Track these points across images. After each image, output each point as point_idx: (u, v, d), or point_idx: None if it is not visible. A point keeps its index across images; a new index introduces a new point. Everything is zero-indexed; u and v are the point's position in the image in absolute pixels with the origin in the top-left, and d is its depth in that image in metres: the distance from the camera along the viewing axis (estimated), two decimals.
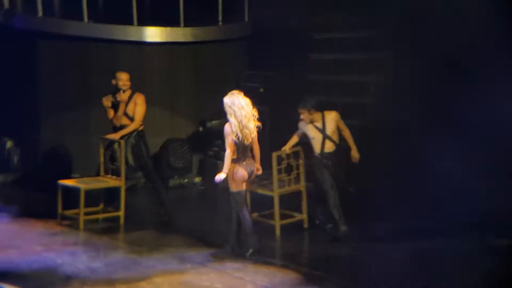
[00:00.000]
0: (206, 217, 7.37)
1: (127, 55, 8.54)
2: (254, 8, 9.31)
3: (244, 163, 6.17)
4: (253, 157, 6.25)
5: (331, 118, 6.77)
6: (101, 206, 7.28)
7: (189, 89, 8.92)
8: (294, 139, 6.94)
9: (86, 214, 7.03)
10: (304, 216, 6.97)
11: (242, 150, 6.16)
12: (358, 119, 7.94)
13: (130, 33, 8.55)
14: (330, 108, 6.94)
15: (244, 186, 6.19)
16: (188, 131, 8.92)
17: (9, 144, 8.73)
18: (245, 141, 6.14)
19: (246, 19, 9.33)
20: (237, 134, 6.09)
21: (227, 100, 6.16)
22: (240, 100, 6.12)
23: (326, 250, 6.33)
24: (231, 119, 6.10)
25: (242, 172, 6.14)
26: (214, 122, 8.72)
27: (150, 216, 7.24)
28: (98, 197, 7.27)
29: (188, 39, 8.83)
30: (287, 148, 6.89)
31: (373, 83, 8.34)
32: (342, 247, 6.36)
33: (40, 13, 8.47)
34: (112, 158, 7.17)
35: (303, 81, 9.05)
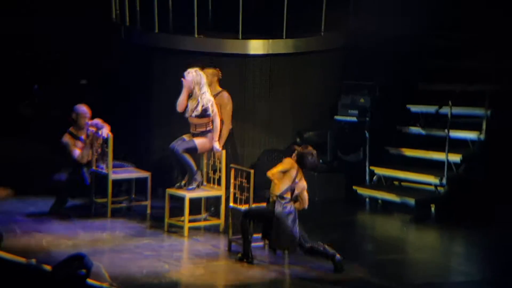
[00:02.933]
0: None
1: (231, 67, 8.75)
2: (357, 17, 9.30)
3: None
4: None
5: None
6: (203, 213, 7.54)
7: (288, 100, 9.05)
8: None
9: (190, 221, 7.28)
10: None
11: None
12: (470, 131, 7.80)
13: (236, 46, 8.78)
14: None
15: None
16: (285, 142, 9.05)
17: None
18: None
19: (348, 28, 9.34)
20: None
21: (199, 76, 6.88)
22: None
23: None
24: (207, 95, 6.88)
25: None
26: (310, 133, 8.81)
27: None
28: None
29: (290, 50, 8.95)
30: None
31: (488, 92, 8.20)
32: None
33: (156, 29, 8.84)
34: (213, 167, 7.40)
35: (409, 90, 9.01)
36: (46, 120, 9.59)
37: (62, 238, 6.99)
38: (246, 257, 6.47)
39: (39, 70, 10.03)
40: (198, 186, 7.29)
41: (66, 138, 7.90)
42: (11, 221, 7.42)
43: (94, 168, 7.88)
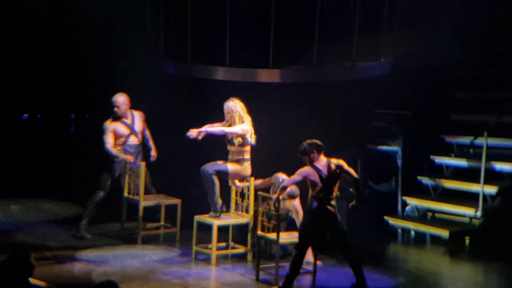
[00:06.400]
0: None
1: (263, 95, 8.81)
2: (389, 46, 9.29)
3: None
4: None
5: None
6: (231, 241, 7.51)
7: (318, 126, 9.02)
8: None
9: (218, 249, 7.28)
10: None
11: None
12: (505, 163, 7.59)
13: (266, 75, 8.83)
14: None
15: None
16: None
17: None
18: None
19: (382, 58, 9.31)
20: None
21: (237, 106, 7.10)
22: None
23: None
24: (246, 125, 7.06)
25: None
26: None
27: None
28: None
29: (323, 78, 8.96)
30: None
31: None
32: None
33: (189, 60, 8.96)
34: (241, 194, 7.39)
35: (443, 120, 8.90)
36: None
37: (93, 265, 7.02)
38: None
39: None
40: (218, 216, 7.30)
41: (107, 122, 7.94)
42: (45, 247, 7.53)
43: (126, 195, 7.97)
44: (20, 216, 8.89)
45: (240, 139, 7.22)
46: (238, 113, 7.20)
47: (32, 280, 4.70)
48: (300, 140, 6.50)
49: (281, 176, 7.20)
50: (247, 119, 7.27)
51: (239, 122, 7.22)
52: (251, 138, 7.27)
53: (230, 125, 7.30)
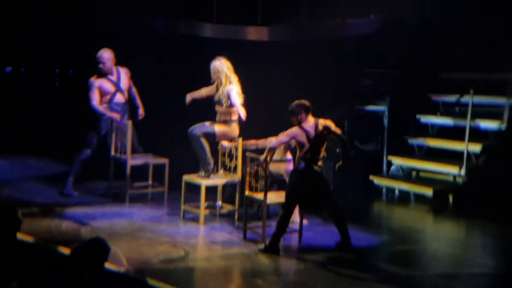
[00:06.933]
0: None
1: (251, 53, 8.74)
2: (376, 4, 9.21)
3: None
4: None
5: None
6: (219, 201, 7.53)
7: (304, 86, 9.02)
8: None
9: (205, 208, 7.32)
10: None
11: None
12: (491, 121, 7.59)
13: (254, 33, 8.74)
14: None
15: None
16: None
17: None
18: None
19: (370, 15, 9.23)
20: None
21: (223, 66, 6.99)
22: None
23: None
24: (235, 86, 6.98)
25: None
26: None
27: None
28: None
29: (312, 36, 8.88)
30: None
31: (510, 81, 8.04)
32: None
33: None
34: (229, 155, 7.40)
35: (430, 79, 8.89)
36: None
37: (81, 222, 7.04)
38: (273, 250, 6.36)
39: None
40: (208, 176, 7.32)
41: (93, 79, 7.84)
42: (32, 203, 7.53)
43: (113, 153, 7.94)
44: (5, 172, 8.86)
45: (227, 100, 7.18)
46: (224, 73, 7.14)
47: (19, 235, 4.73)
48: (288, 101, 6.49)
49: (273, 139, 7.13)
50: (234, 78, 7.20)
51: (225, 82, 7.16)
52: (239, 98, 7.23)
53: (217, 85, 7.25)
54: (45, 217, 7.09)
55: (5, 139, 9.50)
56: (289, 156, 7.15)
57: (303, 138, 6.39)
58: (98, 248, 4.39)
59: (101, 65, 7.83)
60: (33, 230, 6.37)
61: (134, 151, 7.95)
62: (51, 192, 8.04)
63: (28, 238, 6.00)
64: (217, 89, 7.25)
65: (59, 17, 9.71)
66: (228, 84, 7.18)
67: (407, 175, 8.92)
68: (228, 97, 7.15)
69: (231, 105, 7.22)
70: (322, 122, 6.47)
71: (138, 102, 8.15)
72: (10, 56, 10.37)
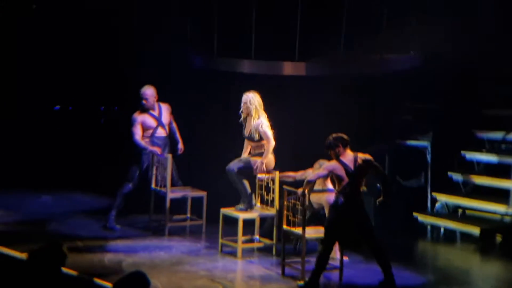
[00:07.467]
0: None
1: (288, 88, 8.78)
2: (419, 40, 9.15)
3: None
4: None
5: None
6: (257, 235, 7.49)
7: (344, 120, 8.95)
8: None
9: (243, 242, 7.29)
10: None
11: None
12: None
13: (291, 68, 8.80)
14: None
15: None
16: None
17: None
18: None
19: (411, 51, 9.19)
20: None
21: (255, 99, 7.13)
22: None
23: None
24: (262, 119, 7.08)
25: None
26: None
27: None
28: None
29: (350, 71, 8.88)
30: None
31: None
32: None
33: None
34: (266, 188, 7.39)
35: (475, 115, 8.74)
36: None
37: (122, 255, 7.11)
38: (313, 287, 6.24)
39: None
40: (246, 209, 7.34)
41: (136, 114, 8.00)
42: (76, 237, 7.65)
43: (153, 187, 8.03)
44: (51, 207, 9.04)
45: (257, 134, 7.25)
46: (254, 106, 7.24)
47: (64, 269, 4.79)
48: (326, 134, 6.45)
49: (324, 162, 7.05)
50: (263, 114, 7.27)
51: (255, 115, 7.24)
52: (269, 131, 7.27)
53: (244, 119, 7.34)
54: (89, 251, 7.19)
55: (51, 174, 9.73)
56: (330, 185, 7.07)
57: (341, 172, 6.32)
58: (139, 281, 4.39)
59: (144, 101, 8.02)
60: (77, 264, 6.44)
61: (173, 184, 8.03)
62: (94, 226, 8.15)
63: (72, 272, 6.07)
64: (245, 124, 7.35)
65: (105, 57, 10.01)
66: (257, 118, 7.23)
67: (452, 212, 8.71)
68: (258, 131, 7.20)
69: (262, 139, 7.24)
70: (361, 156, 6.40)
71: (178, 137, 8.26)
72: (59, 94, 10.70)
